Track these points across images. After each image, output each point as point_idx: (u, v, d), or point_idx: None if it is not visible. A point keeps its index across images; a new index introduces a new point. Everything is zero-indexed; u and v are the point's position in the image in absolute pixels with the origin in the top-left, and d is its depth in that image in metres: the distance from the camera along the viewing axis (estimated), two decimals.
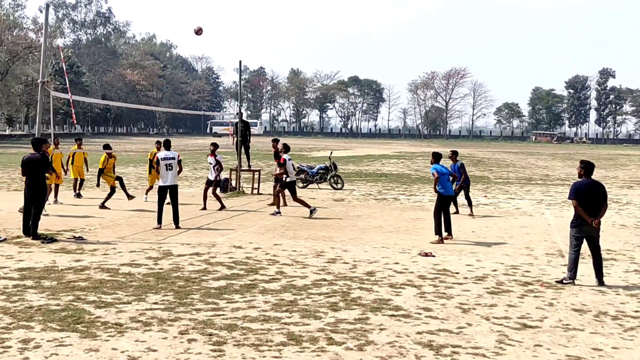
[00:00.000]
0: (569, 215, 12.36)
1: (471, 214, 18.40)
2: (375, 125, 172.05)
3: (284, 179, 17.83)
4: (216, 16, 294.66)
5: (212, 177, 18.83)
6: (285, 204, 18.73)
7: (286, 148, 18.20)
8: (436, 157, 14.85)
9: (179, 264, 11.27)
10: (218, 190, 19.09)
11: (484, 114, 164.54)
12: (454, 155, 18.17)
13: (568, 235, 10.83)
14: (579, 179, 10.70)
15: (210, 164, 19.01)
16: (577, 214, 10.47)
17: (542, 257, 12.61)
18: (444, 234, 14.31)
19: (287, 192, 18.29)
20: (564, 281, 10.39)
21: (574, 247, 10.46)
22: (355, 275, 10.69)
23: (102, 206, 18.11)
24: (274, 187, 18.75)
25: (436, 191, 14.46)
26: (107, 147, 19.72)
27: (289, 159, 17.92)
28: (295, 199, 17.90)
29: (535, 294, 9.75)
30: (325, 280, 10.32)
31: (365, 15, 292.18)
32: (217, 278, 10.26)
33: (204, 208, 18.39)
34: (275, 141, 21.22)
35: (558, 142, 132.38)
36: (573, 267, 10.42)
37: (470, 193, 19.06)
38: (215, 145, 19.39)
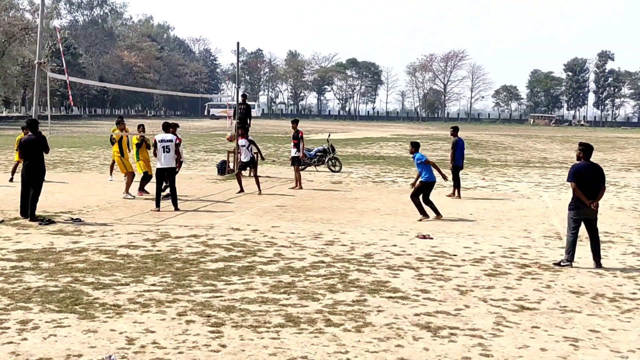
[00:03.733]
0: (566, 198, 12.38)
1: (458, 196, 18.46)
2: (374, 108, 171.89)
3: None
4: None
5: (245, 159, 18.64)
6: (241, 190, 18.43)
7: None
8: (416, 146, 15.12)
9: (177, 245, 11.28)
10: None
11: (483, 97, 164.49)
12: (455, 131, 19.08)
13: (566, 217, 10.84)
14: (578, 162, 10.70)
15: (243, 145, 18.71)
16: (575, 196, 10.48)
17: (540, 240, 12.63)
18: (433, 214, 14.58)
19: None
20: (562, 263, 10.42)
21: (572, 229, 10.48)
22: (353, 258, 10.71)
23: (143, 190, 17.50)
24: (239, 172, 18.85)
25: (419, 179, 14.65)
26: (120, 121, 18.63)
27: (245, 144, 18.61)
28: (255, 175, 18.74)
29: (533, 276, 9.77)
30: (323, 262, 10.33)
31: None
32: (215, 260, 10.27)
33: (241, 191, 18.16)
34: (295, 122, 21.29)
35: (556, 124, 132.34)
36: (571, 250, 10.44)
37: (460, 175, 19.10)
38: (243, 129, 19.54)
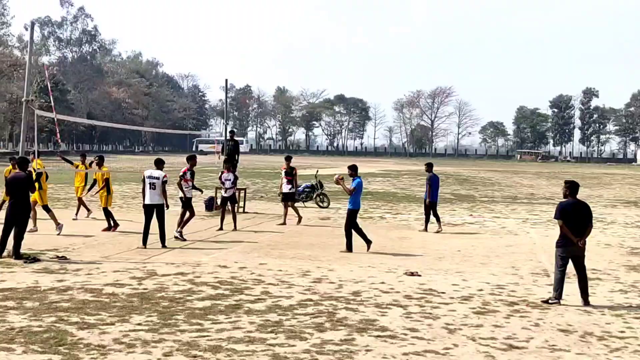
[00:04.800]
0: (554, 235, 12.39)
1: (422, 229, 18.96)
2: (362, 144, 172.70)
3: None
4: (202, 34, 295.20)
5: (227, 195, 18.64)
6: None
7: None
8: (355, 169, 15.76)
9: (163, 283, 11.18)
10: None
11: (469, 133, 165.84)
12: (429, 167, 19.60)
13: (553, 254, 10.85)
14: (565, 199, 10.75)
15: (228, 179, 18.78)
16: (562, 233, 10.51)
17: (528, 277, 12.62)
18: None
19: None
20: (550, 301, 10.40)
21: (560, 266, 10.48)
22: (341, 295, 10.64)
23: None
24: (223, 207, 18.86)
25: (350, 193, 15.18)
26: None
27: (230, 178, 18.83)
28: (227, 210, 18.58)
29: (522, 314, 9.74)
30: (311, 300, 10.26)
31: (350, 35, 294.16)
32: (201, 298, 10.18)
33: (220, 228, 18.28)
34: (289, 159, 21.39)
35: (543, 160, 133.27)
36: (559, 287, 10.43)
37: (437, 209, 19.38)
38: (231, 164, 19.58)
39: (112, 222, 17.61)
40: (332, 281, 11.75)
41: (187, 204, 16.66)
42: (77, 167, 20.27)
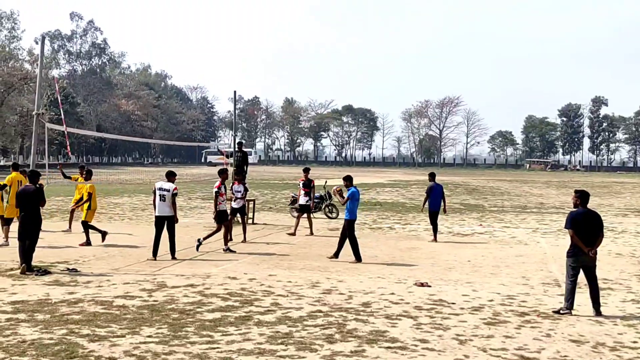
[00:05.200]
0: (564, 244, 12.35)
1: (432, 239, 19.10)
2: (370, 154, 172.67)
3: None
4: (210, 46, 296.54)
5: (237, 206, 18.48)
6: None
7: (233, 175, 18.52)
8: (350, 180, 15.92)
9: (173, 295, 11.19)
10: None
11: (478, 142, 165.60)
12: (431, 177, 20.11)
13: (564, 264, 10.80)
14: (575, 209, 10.71)
15: (238, 191, 18.59)
16: (573, 243, 10.46)
17: (539, 287, 12.57)
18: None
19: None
20: (561, 311, 10.34)
21: (571, 276, 10.43)
22: (351, 306, 10.62)
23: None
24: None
25: (343, 203, 15.41)
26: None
27: (240, 190, 18.56)
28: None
29: (533, 324, 9.69)
30: (320, 311, 10.24)
31: (358, 45, 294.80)
32: (211, 310, 10.18)
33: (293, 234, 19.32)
34: (307, 170, 21.47)
35: (552, 169, 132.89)
36: (570, 297, 10.38)
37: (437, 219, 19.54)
38: (240, 176, 19.48)
39: (88, 237, 17.22)
40: (342, 292, 11.73)
41: (222, 217, 16.61)
42: (76, 180, 20.17)
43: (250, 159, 51.87)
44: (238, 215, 18.67)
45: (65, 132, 18.33)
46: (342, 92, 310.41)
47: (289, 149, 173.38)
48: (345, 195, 15.49)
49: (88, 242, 17.17)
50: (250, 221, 23.24)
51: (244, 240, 18.07)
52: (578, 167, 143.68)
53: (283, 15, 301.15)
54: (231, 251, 16.25)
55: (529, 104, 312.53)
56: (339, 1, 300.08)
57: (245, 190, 19.08)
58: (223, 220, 16.68)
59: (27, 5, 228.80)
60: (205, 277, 12.89)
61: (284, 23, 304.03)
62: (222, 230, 16.67)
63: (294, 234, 19.68)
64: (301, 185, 20.87)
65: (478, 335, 9.02)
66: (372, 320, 9.73)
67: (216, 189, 16.60)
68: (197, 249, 16.21)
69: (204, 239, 16.52)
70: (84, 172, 18.76)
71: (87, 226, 17.51)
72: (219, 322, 9.42)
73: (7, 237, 16.73)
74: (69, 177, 20.68)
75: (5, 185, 16.98)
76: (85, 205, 17.74)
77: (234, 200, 18.63)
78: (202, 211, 27.94)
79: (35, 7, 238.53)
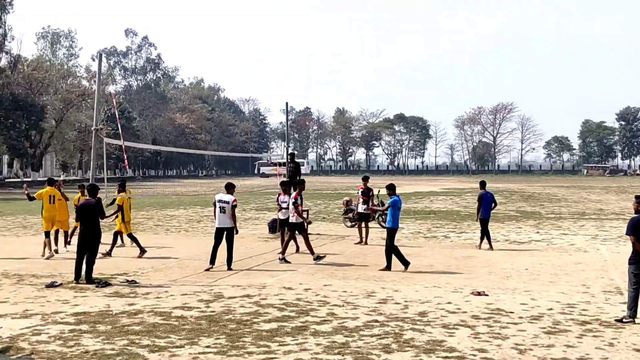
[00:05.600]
0: (626, 251, 12.04)
1: (488, 247, 18.81)
2: (422, 162, 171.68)
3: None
4: (261, 58, 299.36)
5: (284, 217, 18.23)
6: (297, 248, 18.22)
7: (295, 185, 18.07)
8: (393, 188, 15.86)
9: (230, 306, 11.29)
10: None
11: (533, 148, 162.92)
12: (481, 185, 20.00)
13: (626, 271, 10.54)
14: (636, 215, 10.45)
15: (284, 202, 18.51)
16: (635, 250, 10.21)
17: (600, 295, 12.28)
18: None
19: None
20: (624, 320, 10.09)
21: (634, 284, 10.17)
22: (407, 316, 10.56)
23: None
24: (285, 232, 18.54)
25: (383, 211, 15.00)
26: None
27: (286, 200, 17.78)
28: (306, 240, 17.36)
29: (594, 333, 9.48)
30: (376, 321, 10.21)
31: (409, 53, 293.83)
32: (268, 320, 10.24)
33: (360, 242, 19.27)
34: (366, 179, 21.57)
35: (611, 175, 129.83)
36: (633, 305, 10.12)
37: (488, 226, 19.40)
38: (288, 186, 19.42)
39: (140, 246, 17.47)
40: (398, 302, 11.67)
41: (301, 227, 16.64)
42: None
43: (303, 170, 52.12)
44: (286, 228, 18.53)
45: (123, 146, 18.71)
46: (394, 101, 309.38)
47: (340, 158, 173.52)
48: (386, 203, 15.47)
49: (142, 251, 17.47)
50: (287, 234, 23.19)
51: (297, 251, 18.08)
52: (638, 172, 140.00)
53: (334, 27, 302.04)
54: (286, 261, 16.32)
55: (586, 109, 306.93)
56: (391, 12, 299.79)
57: (295, 200, 18.97)
58: (301, 229, 16.65)
59: (84, 23, 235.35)
60: (261, 288, 12.98)
61: (334, 33, 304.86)
62: (286, 240, 16.69)
63: (364, 242, 19.74)
64: (360, 193, 20.95)
65: (538, 345, 8.86)
66: (429, 330, 9.65)
67: (293, 200, 16.66)
68: (320, 257, 16.29)
69: (313, 255, 16.34)
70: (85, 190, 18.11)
71: (132, 238, 17.94)
72: (276, 332, 9.47)
73: (50, 248, 17.41)
74: (33, 199, 18.13)
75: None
76: (119, 218, 18.07)
77: (280, 211, 18.48)
78: (257, 222, 28.14)
79: (92, 25, 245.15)
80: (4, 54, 77.57)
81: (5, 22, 76.64)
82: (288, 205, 18.02)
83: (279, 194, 18.77)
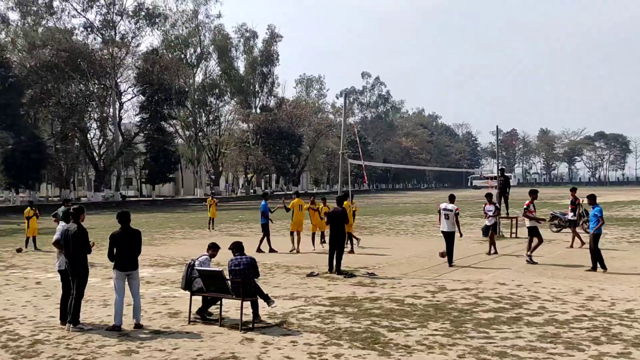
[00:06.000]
0: None
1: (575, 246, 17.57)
2: (623, 174, 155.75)
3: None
4: (471, 88, 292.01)
5: (489, 223, 18.14)
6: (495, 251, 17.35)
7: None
8: (593, 199, 14.39)
9: (452, 297, 11.11)
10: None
11: None
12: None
13: None
14: None
15: (490, 210, 18.24)
16: None
17: None
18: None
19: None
20: None
21: None
22: (614, 312, 9.63)
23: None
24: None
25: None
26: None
27: (491, 209, 17.95)
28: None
29: None
30: (585, 316, 9.44)
31: (617, 75, 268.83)
32: (486, 310, 9.92)
33: (490, 252, 17.36)
34: (574, 190, 20.48)
35: None
36: None
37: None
38: (489, 197, 18.87)
39: (351, 244, 17.63)
40: (604, 299, 10.70)
41: (534, 231, 15.79)
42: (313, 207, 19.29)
43: (511, 182, 50.08)
44: (502, 231, 18.00)
45: (363, 165, 19.35)
46: (594, 119, 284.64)
47: (544, 172, 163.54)
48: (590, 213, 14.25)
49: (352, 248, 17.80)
50: (514, 235, 22.30)
51: (495, 252, 17.28)
52: None
53: (534, 55, 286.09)
54: (533, 262, 15.25)
55: None
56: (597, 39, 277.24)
57: (496, 209, 18.50)
58: (535, 233, 15.77)
59: (330, 69, 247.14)
60: (478, 283, 12.61)
61: (539, 62, 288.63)
62: (535, 242, 15.84)
63: (579, 245, 18.46)
64: (569, 202, 20.00)
65: None
66: (636, 326, 8.72)
67: (525, 206, 16.00)
68: (530, 262, 15.29)
69: (530, 253, 15.54)
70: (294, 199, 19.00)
71: (350, 236, 18.11)
72: (493, 321, 9.14)
73: (293, 244, 18.66)
74: (289, 209, 19.21)
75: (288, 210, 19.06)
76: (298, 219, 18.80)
77: (487, 219, 18.11)
78: (471, 227, 27.40)
79: (336, 70, 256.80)
80: (272, 97, 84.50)
81: (273, 73, 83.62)
82: (493, 213, 17.68)
83: (485, 204, 18.42)
